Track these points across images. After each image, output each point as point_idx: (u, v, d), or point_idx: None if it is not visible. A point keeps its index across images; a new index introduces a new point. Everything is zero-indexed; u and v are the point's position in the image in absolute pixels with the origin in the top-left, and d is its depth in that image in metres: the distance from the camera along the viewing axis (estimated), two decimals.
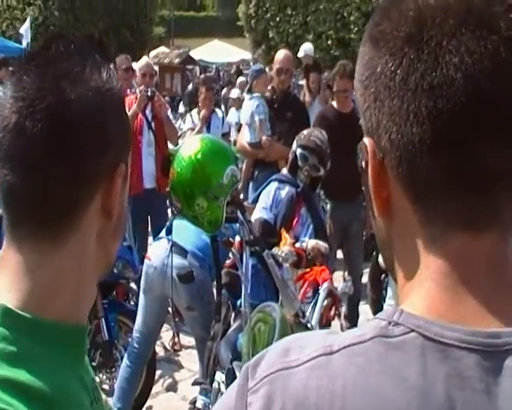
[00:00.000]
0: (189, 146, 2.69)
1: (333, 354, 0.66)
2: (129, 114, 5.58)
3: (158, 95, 5.79)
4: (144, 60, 6.66)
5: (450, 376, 0.60)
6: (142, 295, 3.77)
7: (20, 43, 20.92)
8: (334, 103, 5.49)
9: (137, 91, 6.00)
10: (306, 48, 9.66)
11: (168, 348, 5.04)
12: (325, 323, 3.09)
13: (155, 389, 4.55)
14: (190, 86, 13.74)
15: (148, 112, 5.54)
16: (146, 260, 3.70)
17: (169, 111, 6.45)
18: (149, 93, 5.51)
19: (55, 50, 0.88)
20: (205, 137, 2.85)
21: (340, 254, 5.71)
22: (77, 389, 0.91)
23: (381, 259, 4.91)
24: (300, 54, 9.50)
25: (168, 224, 3.00)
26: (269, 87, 5.69)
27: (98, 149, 0.88)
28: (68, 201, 0.87)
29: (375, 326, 0.66)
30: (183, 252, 3.51)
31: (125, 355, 3.89)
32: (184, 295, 3.55)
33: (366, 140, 0.71)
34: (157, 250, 3.66)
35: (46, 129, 0.83)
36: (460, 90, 0.61)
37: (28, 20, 19.32)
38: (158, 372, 4.63)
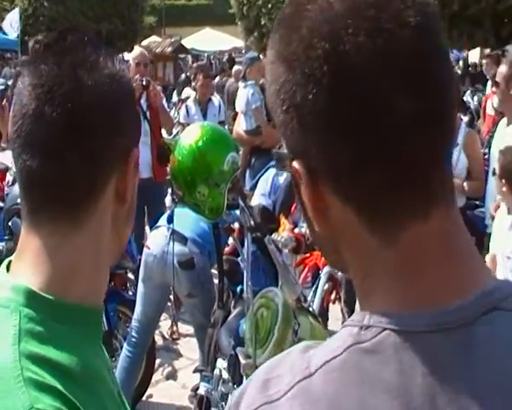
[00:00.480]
0: (190, 134, 2.69)
1: (312, 375, 0.65)
2: None
3: (153, 84, 5.77)
4: (138, 49, 6.62)
5: (427, 363, 0.61)
6: (141, 284, 3.77)
7: (6, 34, 20.83)
8: None
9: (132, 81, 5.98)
10: None
11: (167, 336, 5.06)
12: (326, 306, 3.11)
13: (155, 377, 4.57)
14: (183, 75, 13.71)
15: (142, 101, 5.53)
16: (145, 249, 3.70)
17: (164, 100, 6.46)
18: (144, 82, 5.50)
19: (71, 41, 0.92)
20: (205, 125, 2.85)
21: None
22: (100, 367, 0.95)
23: None
24: None
25: (169, 212, 3.00)
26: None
27: (113, 133, 0.91)
28: (85, 184, 0.90)
29: (348, 335, 0.65)
30: (182, 239, 3.51)
31: (125, 345, 3.89)
32: (185, 282, 3.56)
33: (295, 163, 0.68)
34: (156, 238, 3.66)
35: (64, 114, 0.86)
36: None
37: (17, 11, 19.21)
38: (157, 361, 4.64)
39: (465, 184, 4.43)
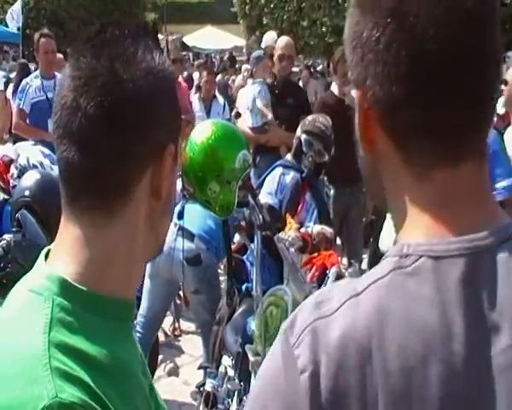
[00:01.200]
0: (202, 131, 2.70)
1: (359, 294, 0.73)
2: None
3: None
4: None
5: (459, 282, 0.71)
6: (147, 280, 3.77)
7: (7, 27, 20.78)
8: (335, 90, 5.49)
9: None
10: (269, 38, 9.34)
11: (169, 333, 5.07)
12: None
13: (157, 373, 4.57)
14: (186, 73, 13.68)
15: None
16: None
17: None
18: None
19: (111, 33, 0.92)
20: (217, 122, 2.85)
21: (337, 241, 5.75)
22: (130, 362, 0.95)
23: (381, 244, 4.94)
24: (263, 45, 9.32)
25: (180, 208, 3.00)
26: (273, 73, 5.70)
27: (148, 128, 0.91)
28: (119, 177, 0.91)
29: (389, 263, 0.74)
30: (190, 235, 3.53)
31: None
32: (192, 278, 3.58)
33: (354, 92, 0.81)
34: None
35: (99, 107, 0.87)
36: (432, 57, 0.73)
37: (19, 3, 19.16)
38: (159, 358, 4.64)
39: None
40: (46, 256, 0.95)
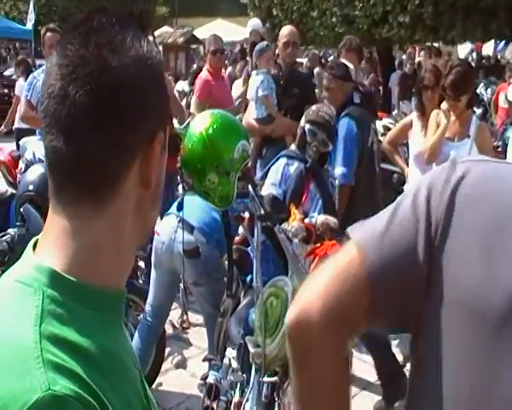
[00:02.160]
0: (200, 121, 2.68)
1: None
2: None
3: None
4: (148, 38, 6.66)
5: None
6: (153, 270, 3.84)
7: (24, 25, 20.89)
8: None
9: None
10: (254, 23, 9.24)
11: (177, 326, 5.07)
12: None
13: (165, 366, 4.58)
14: (195, 65, 13.69)
15: None
16: (155, 236, 3.74)
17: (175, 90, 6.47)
18: None
19: (98, 21, 0.91)
20: (216, 113, 2.83)
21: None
22: (121, 353, 0.95)
23: None
24: (248, 29, 9.25)
25: (179, 200, 2.99)
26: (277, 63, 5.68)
27: (138, 116, 0.90)
28: (107, 167, 0.89)
29: None
30: (189, 228, 3.55)
31: (138, 329, 3.94)
32: (191, 270, 3.59)
33: None
34: (165, 226, 3.70)
35: (88, 95, 0.85)
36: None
37: (31, 0, 19.24)
38: (167, 350, 4.65)
39: None
40: (34, 247, 0.94)
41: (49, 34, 6.11)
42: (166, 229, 3.65)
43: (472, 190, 0.99)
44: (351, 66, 5.02)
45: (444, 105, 4.43)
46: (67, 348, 0.84)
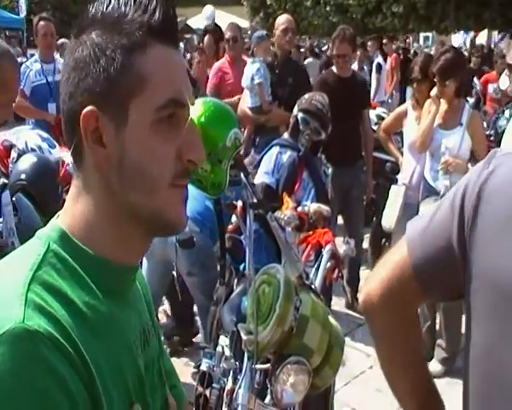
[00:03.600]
0: (192, 110, 2.67)
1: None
2: None
3: None
4: None
5: None
6: (144, 260, 3.81)
7: (16, 14, 20.76)
8: (334, 68, 5.47)
9: None
10: (208, 12, 9.09)
11: (170, 315, 5.08)
12: (328, 285, 3.11)
13: None
14: (189, 55, 13.62)
15: None
16: None
17: None
18: None
19: None
20: (207, 101, 2.82)
21: (340, 220, 5.73)
22: (120, 321, 0.99)
23: (384, 222, 4.93)
24: (204, 19, 9.17)
25: None
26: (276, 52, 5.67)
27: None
28: (68, 132, 0.99)
29: None
30: None
31: None
32: (184, 260, 3.61)
33: None
34: None
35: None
36: None
37: None
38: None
39: (469, 165, 4.43)
40: None
41: (42, 23, 6.09)
42: None
43: (499, 182, 1.12)
44: None
45: (433, 92, 4.44)
46: (58, 296, 0.89)
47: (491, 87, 9.95)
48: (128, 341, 1.00)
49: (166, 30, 0.97)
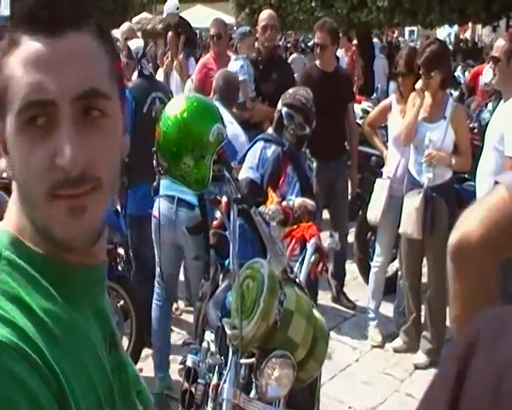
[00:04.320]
0: (175, 105, 2.66)
1: None
2: None
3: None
4: (126, 24, 6.58)
5: None
6: (156, 246, 4.04)
7: None
8: (318, 62, 5.47)
9: (121, 57, 5.96)
10: (169, 6, 8.87)
11: None
12: (313, 278, 3.12)
13: (145, 352, 4.58)
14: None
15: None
16: (153, 219, 3.98)
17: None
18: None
19: None
20: (190, 96, 2.82)
21: (325, 215, 5.74)
22: (81, 325, 0.93)
23: (369, 216, 4.95)
24: (164, 14, 9.08)
25: (155, 184, 2.97)
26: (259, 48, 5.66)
27: None
28: None
29: None
30: (189, 205, 3.80)
31: (154, 297, 4.27)
32: (193, 245, 3.82)
33: None
34: (162, 208, 3.85)
35: None
36: None
37: None
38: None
39: (453, 158, 4.46)
40: None
41: None
42: (164, 211, 3.84)
43: None
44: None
45: (418, 85, 4.46)
46: (16, 303, 0.84)
47: (481, 80, 9.99)
48: (93, 346, 0.94)
49: (36, 17, 0.86)
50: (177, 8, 8.09)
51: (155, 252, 4.11)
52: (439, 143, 4.43)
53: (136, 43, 5.39)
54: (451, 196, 4.56)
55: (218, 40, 6.14)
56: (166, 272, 4.06)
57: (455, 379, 0.80)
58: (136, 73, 5.28)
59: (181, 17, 8.87)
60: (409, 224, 4.49)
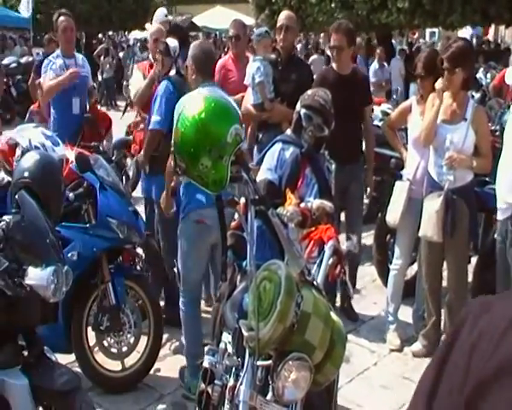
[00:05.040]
0: (193, 105, 2.66)
1: None
2: (146, 81, 5.58)
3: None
4: (156, 25, 6.58)
5: None
6: (191, 254, 4.22)
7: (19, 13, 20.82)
8: (334, 65, 5.42)
9: (150, 58, 5.99)
10: (158, 14, 8.62)
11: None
12: (331, 281, 3.09)
13: (163, 352, 4.60)
14: None
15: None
16: (201, 225, 4.12)
17: None
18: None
19: None
20: (208, 97, 2.81)
21: (342, 217, 5.71)
22: None
23: (388, 218, 4.91)
24: (154, 25, 8.93)
25: (173, 185, 2.94)
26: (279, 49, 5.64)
27: None
28: None
29: None
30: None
31: (183, 326, 4.38)
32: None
33: None
34: (209, 212, 3.88)
35: None
36: None
37: None
38: (165, 336, 4.67)
39: (474, 161, 4.41)
40: None
41: (62, 19, 6.17)
42: (211, 215, 3.76)
43: None
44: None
45: (438, 84, 4.42)
46: None
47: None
48: None
49: None
50: (166, 16, 7.96)
51: (188, 263, 4.25)
52: (459, 145, 4.37)
53: (172, 43, 5.46)
54: (472, 199, 4.51)
55: (237, 41, 6.13)
56: (197, 277, 4.28)
57: (437, 365, 0.82)
58: (173, 71, 5.35)
59: (172, 23, 8.74)
60: (429, 227, 4.44)
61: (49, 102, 6.19)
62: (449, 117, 4.45)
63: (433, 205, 4.41)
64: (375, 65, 13.19)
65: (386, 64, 13.23)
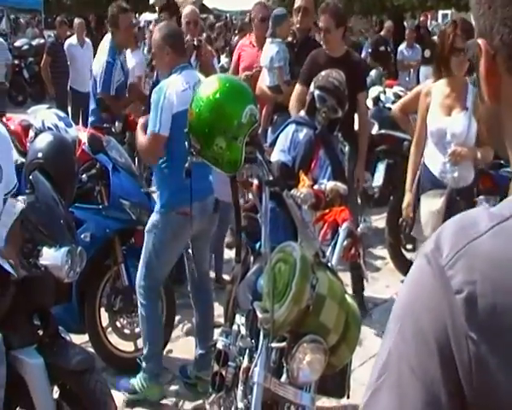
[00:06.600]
0: (207, 86, 2.64)
1: (508, 219, 0.75)
2: None
3: (204, 44, 5.71)
4: (189, 7, 6.34)
5: None
6: (165, 247, 3.94)
7: None
8: (325, 46, 5.16)
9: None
10: None
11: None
12: (346, 262, 3.08)
13: (175, 333, 4.61)
14: (204, 35, 13.57)
15: (192, 60, 5.34)
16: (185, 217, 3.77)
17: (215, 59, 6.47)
18: (195, 42, 5.42)
19: None
20: (223, 77, 2.80)
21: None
22: None
23: (404, 204, 4.78)
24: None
25: (187, 165, 2.87)
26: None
27: None
28: None
29: None
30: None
31: (140, 317, 4.09)
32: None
33: (479, 40, 0.83)
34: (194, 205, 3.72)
35: None
36: None
37: None
38: (177, 318, 4.68)
39: (478, 152, 4.05)
40: None
41: (122, 16, 5.75)
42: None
43: None
44: None
45: (425, 87, 4.23)
46: None
47: None
48: None
49: None
50: None
51: (163, 256, 4.00)
52: (462, 137, 4.02)
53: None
54: (473, 200, 4.30)
55: (262, 22, 6.04)
56: (166, 273, 4.09)
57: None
58: None
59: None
60: (427, 226, 4.09)
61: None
62: (449, 109, 4.10)
63: (433, 204, 4.09)
64: (404, 46, 12.94)
65: (417, 45, 12.96)
